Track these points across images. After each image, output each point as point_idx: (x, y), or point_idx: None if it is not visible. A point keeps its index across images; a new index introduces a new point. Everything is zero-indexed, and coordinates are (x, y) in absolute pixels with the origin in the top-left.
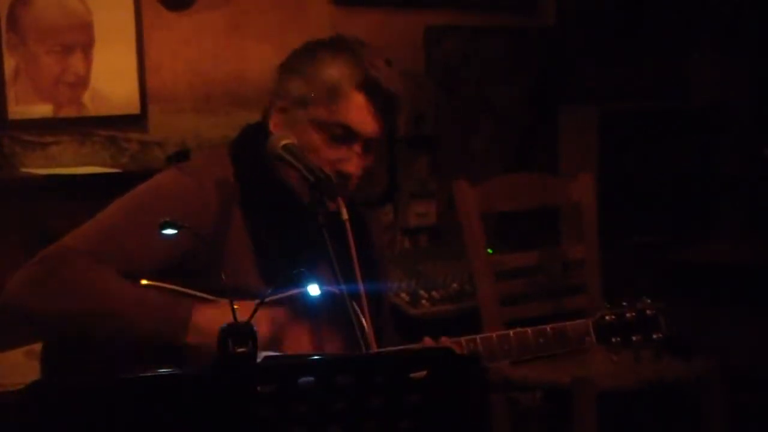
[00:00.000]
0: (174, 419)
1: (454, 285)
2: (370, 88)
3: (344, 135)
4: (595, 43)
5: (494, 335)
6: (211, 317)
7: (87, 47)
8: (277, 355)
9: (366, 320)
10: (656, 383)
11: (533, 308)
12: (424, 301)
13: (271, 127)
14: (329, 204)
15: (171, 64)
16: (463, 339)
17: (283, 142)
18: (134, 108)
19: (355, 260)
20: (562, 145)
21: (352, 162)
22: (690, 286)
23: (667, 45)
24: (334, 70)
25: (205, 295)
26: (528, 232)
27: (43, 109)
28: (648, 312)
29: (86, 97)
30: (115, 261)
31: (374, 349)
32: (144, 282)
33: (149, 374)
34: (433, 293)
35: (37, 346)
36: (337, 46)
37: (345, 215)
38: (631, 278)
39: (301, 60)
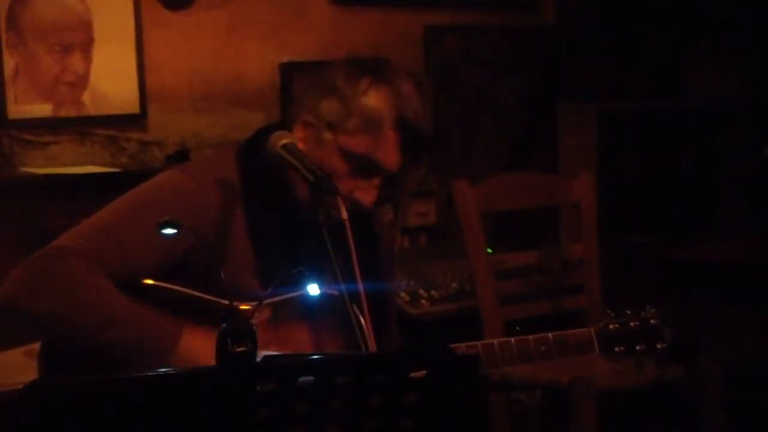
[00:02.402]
0: (174, 419)
1: (454, 284)
2: (405, 128)
3: (368, 168)
4: (595, 42)
5: (495, 342)
6: (201, 341)
7: (86, 47)
8: (276, 355)
9: (366, 321)
10: (656, 384)
11: (533, 308)
12: (423, 301)
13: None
14: (333, 211)
15: (171, 63)
16: (464, 345)
17: (283, 141)
18: (134, 108)
19: (355, 260)
20: (561, 144)
21: (369, 194)
22: (690, 286)
23: (666, 44)
24: (373, 104)
25: (206, 296)
26: (528, 232)
27: (42, 109)
28: (652, 321)
29: (86, 97)
30: (112, 262)
31: (374, 349)
32: (147, 281)
33: (149, 374)
34: (433, 293)
35: (37, 346)
36: (378, 74)
37: (344, 215)
38: (631, 278)
39: (339, 80)
